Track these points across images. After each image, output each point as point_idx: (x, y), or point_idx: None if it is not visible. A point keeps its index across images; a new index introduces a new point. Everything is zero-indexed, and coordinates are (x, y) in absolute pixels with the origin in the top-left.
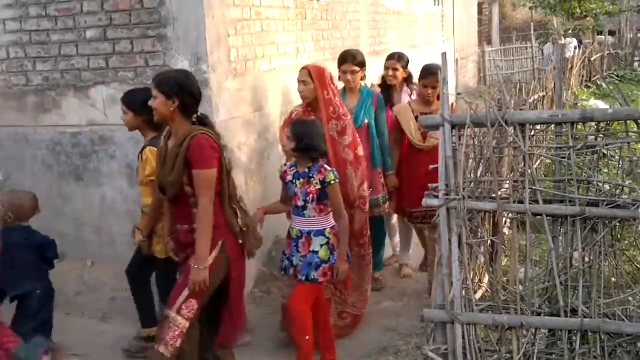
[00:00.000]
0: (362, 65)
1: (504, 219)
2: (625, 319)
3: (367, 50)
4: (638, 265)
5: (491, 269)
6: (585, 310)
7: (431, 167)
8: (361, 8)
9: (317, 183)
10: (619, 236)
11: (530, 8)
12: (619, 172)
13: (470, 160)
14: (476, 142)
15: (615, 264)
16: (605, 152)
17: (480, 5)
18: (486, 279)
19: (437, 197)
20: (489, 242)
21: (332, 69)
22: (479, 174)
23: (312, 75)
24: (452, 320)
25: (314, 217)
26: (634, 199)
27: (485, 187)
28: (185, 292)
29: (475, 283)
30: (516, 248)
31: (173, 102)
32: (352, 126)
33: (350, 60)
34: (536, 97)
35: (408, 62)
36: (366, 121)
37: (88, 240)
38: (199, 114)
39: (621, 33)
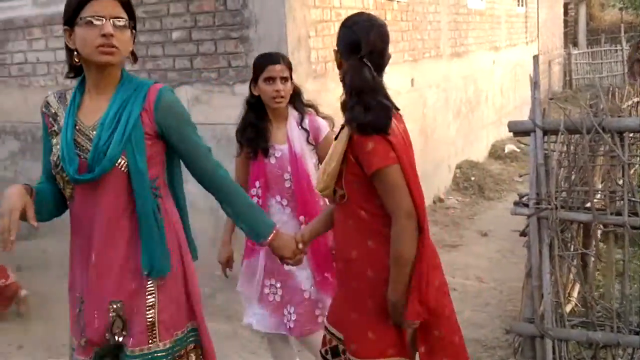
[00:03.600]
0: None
1: (598, 231)
2: None
3: (448, 52)
4: None
5: (584, 283)
6: None
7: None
8: (442, 8)
9: None
10: None
11: (621, 9)
12: None
13: (562, 169)
14: (571, 150)
15: None
16: None
17: (566, 5)
18: (575, 293)
19: (526, 205)
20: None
21: (411, 71)
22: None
23: None
24: (542, 334)
25: None
26: None
27: (577, 197)
28: None
29: (565, 297)
30: (612, 262)
31: None
32: None
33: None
34: (630, 102)
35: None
36: (123, 161)
37: None
38: None
39: None
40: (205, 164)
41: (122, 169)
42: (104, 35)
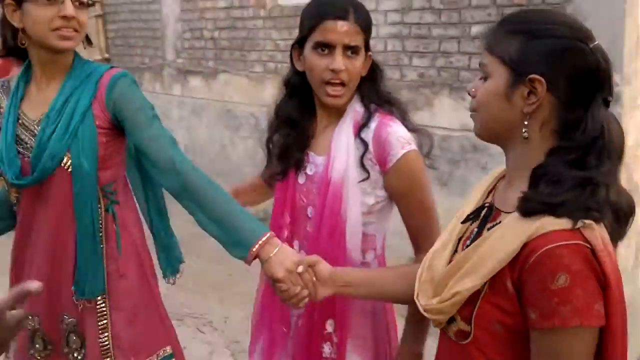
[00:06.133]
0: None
1: None
2: None
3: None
4: None
5: None
6: None
7: None
8: None
9: None
10: None
11: None
12: None
13: None
14: None
15: None
16: None
17: None
18: None
19: None
20: None
21: None
22: None
23: None
24: None
25: None
26: None
27: None
28: None
29: None
30: None
31: None
32: None
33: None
34: None
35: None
36: (68, 160)
37: None
38: None
39: None
40: (165, 156)
41: (68, 169)
42: (64, 17)
